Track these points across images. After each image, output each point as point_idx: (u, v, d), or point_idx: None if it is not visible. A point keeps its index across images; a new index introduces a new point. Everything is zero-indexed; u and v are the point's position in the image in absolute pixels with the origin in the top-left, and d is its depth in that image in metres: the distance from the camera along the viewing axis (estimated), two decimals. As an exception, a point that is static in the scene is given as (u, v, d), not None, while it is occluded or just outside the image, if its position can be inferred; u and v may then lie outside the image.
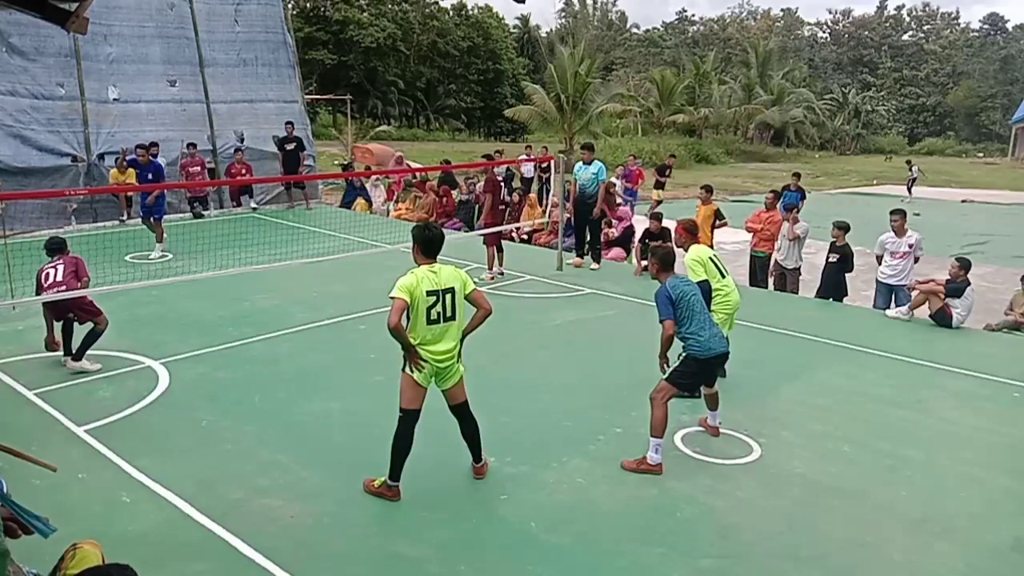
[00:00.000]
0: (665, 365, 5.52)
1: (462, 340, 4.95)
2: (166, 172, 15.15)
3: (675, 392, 5.47)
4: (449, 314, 4.79)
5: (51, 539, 3.44)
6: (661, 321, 5.43)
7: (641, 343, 8.47)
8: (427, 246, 4.84)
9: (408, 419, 4.88)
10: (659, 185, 21.57)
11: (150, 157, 13.25)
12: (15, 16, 12.42)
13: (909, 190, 30.15)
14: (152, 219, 12.28)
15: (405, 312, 4.69)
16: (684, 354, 5.49)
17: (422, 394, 4.89)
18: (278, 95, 17.91)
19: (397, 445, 4.89)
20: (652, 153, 39.67)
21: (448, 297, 4.76)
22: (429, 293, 4.69)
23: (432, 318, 4.73)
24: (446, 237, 5.13)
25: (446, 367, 4.89)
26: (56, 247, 7.45)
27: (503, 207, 17.59)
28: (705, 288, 6.28)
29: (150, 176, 12.92)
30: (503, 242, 11.48)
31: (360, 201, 18.00)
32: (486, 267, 11.05)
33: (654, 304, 5.52)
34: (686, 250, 6.73)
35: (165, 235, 12.29)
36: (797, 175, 17.44)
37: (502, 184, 12.85)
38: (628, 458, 5.56)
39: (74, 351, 7.10)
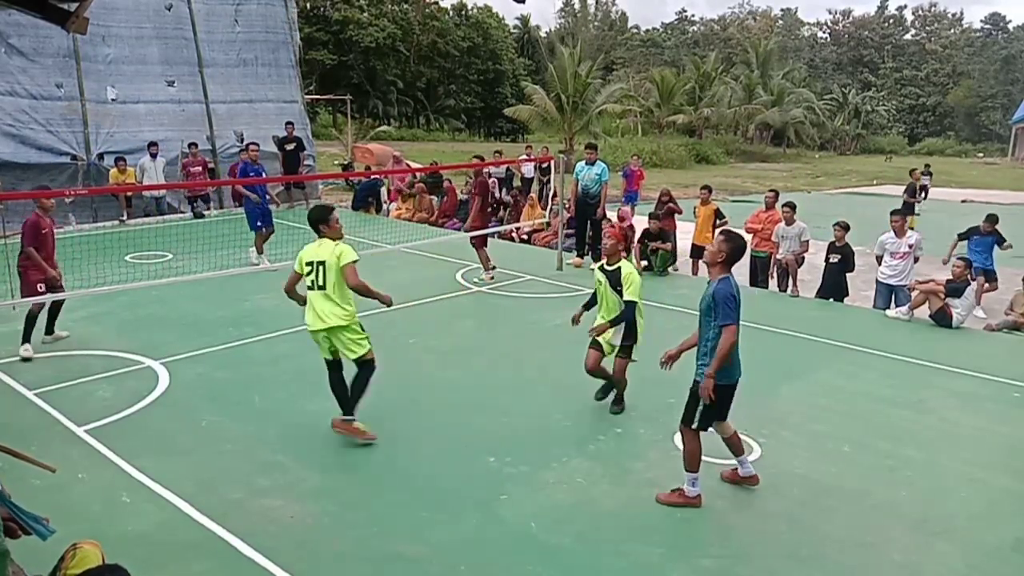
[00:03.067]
0: (712, 392, 4.79)
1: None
2: (166, 172, 15.20)
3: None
4: (320, 283, 5.49)
5: (51, 539, 3.44)
6: (725, 326, 4.74)
7: (642, 343, 8.46)
8: (312, 224, 5.69)
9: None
10: (910, 208, 16.43)
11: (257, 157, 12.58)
12: (14, 16, 12.43)
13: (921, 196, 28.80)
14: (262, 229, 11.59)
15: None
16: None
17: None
18: (278, 95, 17.91)
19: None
20: (652, 153, 39.70)
21: (320, 268, 5.49)
22: (307, 263, 5.56)
23: (308, 285, 5.57)
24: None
25: (322, 337, 5.57)
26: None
27: (492, 207, 17.58)
28: (631, 310, 5.98)
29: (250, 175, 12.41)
30: (487, 241, 11.29)
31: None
32: (482, 269, 10.97)
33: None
34: (613, 261, 6.11)
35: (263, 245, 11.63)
36: (994, 218, 11.77)
37: (490, 186, 12.67)
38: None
39: (50, 328, 7.89)
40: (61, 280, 7.77)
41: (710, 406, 4.81)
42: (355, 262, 5.44)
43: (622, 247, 6.23)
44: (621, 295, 6.02)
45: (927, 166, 26.83)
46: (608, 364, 6.35)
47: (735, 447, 5.13)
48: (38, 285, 7.45)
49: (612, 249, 6.14)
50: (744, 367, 7.54)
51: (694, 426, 4.88)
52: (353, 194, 19.08)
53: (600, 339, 6.24)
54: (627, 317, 6.02)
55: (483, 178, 11.56)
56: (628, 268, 6.05)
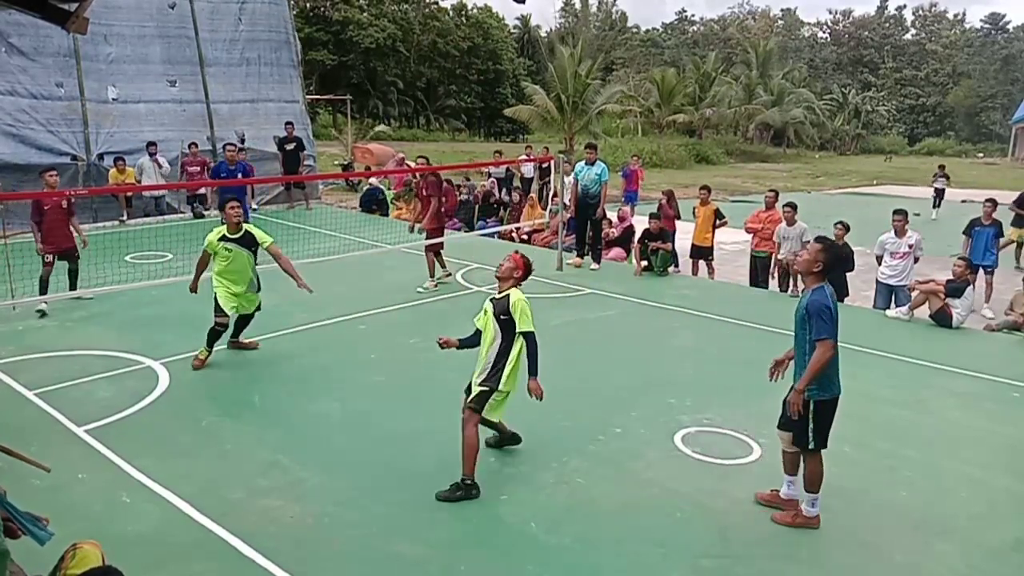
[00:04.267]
0: (800, 407, 4.57)
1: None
2: (167, 172, 15.19)
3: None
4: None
5: (52, 540, 3.44)
6: (819, 340, 4.49)
7: (642, 343, 8.48)
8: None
9: (221, 328, 7.24)
10: (1021, 220, 15.18)
11: (239, 158, 12.59)
12: (15, 16, 12.43)
13: (936, 201, 23.43)
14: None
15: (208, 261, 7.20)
16: (811, 406, 4.59)
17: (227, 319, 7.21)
18: (279, 95, 17.88)
19: (211, 335, 7.20)
20: (652, 153, 39.70)
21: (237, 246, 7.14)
22: (223, 239, 7.11)
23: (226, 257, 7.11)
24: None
25: (245, 298, 7.31)
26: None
27: (495, 206, 17.51)
28: (532, 342, 4.99)
29: (239, 177, 12.39)
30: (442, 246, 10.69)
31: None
32: (433, 273, 10.37)
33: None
34: (504, 287, 5.16)
35: None
36: (994, 202, 11.61)
37: (444, 186, 11.61)
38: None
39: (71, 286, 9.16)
40: (69, 245, 9.20)
41: (820, 422, 4.57)
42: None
43: (519, 274, 5.20)
44: (503, 328, 5.01)
45: (942, 167, 24.04)
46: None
47: (790, 464, 4.83)
48: (44, 256, 8.96)
49: (506, 273, 5.16)
50: (744, 367, 7.60)
51: (811, 447, 4.64)
52: (359, 198, 19.14)
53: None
54: (531, 352, 4.99)
55: (438, 177, 10.67)
56: (517, 295, 5.05)
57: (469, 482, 4.96)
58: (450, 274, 10.72)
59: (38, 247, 9.11)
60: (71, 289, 9.16)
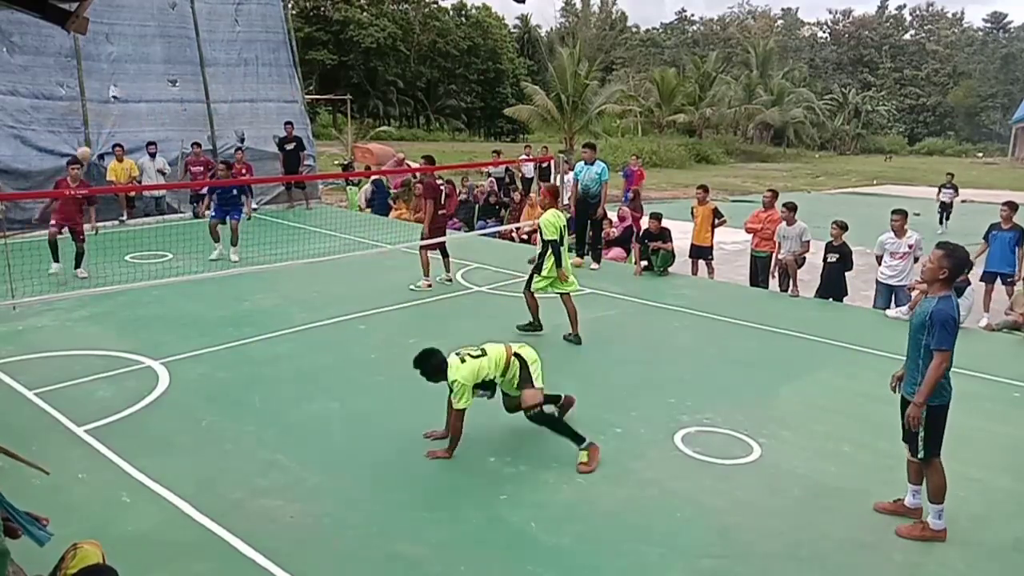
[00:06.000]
0: (920, 420, 4.52)
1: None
2: (168, 173, 15.19)
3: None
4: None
5: (52, 540, 3.44)
6: (938, 350, 4.35)
7: (642, 343, 8.48)
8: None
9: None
10: None
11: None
12: (16, 15, 12.42)
13: (943, 216, 21.41)
14: (231, 219, 11.88)
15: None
16: (922, 413, 4.54)
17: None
18: (279, 95, 17.87)
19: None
20: (652, 153, 39.75)
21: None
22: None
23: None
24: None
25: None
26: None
27: (495, 207, 17.51)
28: (556, 248, 7.79)
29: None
30: (435, 245, 10.55)
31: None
32: (423, 274, 10.30)
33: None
34: (544, 210, 8.22)
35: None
36: (1012, 205, 10.58)
37: (442, 189, 11.44)
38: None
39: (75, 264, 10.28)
40: (76, 224, 10.27)
41: (930, 429, 4.54)
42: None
43: (551, 200, 8.42)
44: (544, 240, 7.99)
45: (950, 175, 21.83)
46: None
47: (914, 473, 4.76)
48: (51, 224, 10.20)
49: (545, 203, 8.45)
50: (744, 367, 7.61)
51: (920, 456, 4.61)
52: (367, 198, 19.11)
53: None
54: (554, 252, 7.93)
55: (431, 179, 10.75)
56: (546, 216, 8.07)
57: (535, 324, 8.29)
58: (451, 279, 10.62)
59: (37, 214, 10.86)
60: (76, 267, 10.25)
